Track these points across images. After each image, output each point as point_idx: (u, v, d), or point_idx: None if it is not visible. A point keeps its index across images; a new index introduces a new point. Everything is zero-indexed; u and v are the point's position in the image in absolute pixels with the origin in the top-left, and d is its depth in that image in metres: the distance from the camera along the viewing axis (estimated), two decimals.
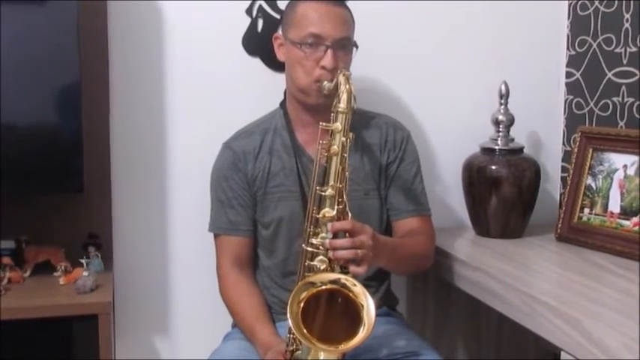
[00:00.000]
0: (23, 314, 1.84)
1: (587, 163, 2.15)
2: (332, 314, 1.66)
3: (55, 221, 2.11)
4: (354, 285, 1.63)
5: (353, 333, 1.58)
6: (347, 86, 1.74)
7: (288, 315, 1.58)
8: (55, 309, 1.87)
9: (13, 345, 1.87)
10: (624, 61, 2.14)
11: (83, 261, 2.03)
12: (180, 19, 2.19)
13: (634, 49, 2.11)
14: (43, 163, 2.00)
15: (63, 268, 2.01)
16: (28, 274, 2.03)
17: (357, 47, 1.91)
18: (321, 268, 1.67)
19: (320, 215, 1.70)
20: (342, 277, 1.64)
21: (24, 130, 1.98)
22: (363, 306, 1.60)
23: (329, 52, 1.83)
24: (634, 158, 2.03)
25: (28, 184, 2.01)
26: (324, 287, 1.63)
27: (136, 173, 2.22)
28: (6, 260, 1.99)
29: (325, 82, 1.82)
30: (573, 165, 2.18)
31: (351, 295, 1.62)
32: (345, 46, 1.87)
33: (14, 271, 1.99)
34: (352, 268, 1.65)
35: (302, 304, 1.60)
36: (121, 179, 2.20)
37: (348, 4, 1.97)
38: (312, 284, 1.63)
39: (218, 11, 2.21)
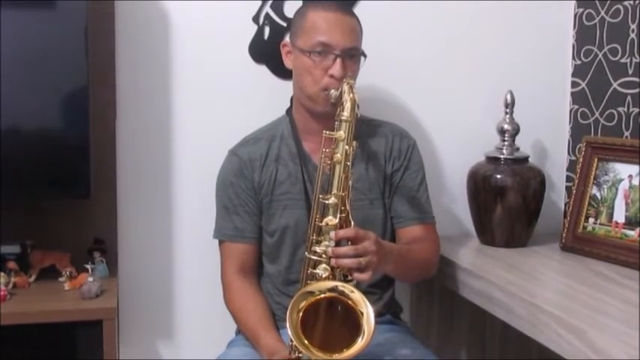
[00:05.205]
0: (28, 319, 1.85)
1: (592, 173, 2.15)
2: (332, 322, 1.66)
3: (60, 226, 2.11)
4: (352, 292, 1.63)
5: (353, 341, 1.59)
6: (351, 95, 1.75)
7: (288, 324, 1.58)
8: (59, 314, 1.87)
9: (18, 350, 1.88)
10: (630, 72, 2.14)
11: (88, 266, 2.04)
12: (188, 26, 2.20)
13: (639, 60, 2.11)
14: (49, 167, 2.00)
15: (68, 273, 2.01)
16: (33, 279, 2.03)
17: (365, 56, 1.91)
18: (323, 275, 1.67)
19: (323, 223, 1.70)
20: (340, 285, 1.64)
21: (30, 135, 1.98)
22: (362, 314, 1.60)
23: (338, 61, 1.84)
24: (639, 168, 2.03)
25: (34, 188, 2.01)
26: (322, 295, 1.63)
27: (142, 179, 2.22)
28: (11, 265, 2.00)
29: (332, 91, 1.82)
30: (578, 175, 2.18)
31: (350, 302, 1.62)
32: (353, 55, 1.88)
33: (19, 276, 2.00)
34: (356, 275, 1.65)
35: (301, 313, 1.61)
36: (127, 185, 2.21)
37: (354, 11, 1.97)
38: (311, 293, 1.63)
39: (225, 18, 2.21)
